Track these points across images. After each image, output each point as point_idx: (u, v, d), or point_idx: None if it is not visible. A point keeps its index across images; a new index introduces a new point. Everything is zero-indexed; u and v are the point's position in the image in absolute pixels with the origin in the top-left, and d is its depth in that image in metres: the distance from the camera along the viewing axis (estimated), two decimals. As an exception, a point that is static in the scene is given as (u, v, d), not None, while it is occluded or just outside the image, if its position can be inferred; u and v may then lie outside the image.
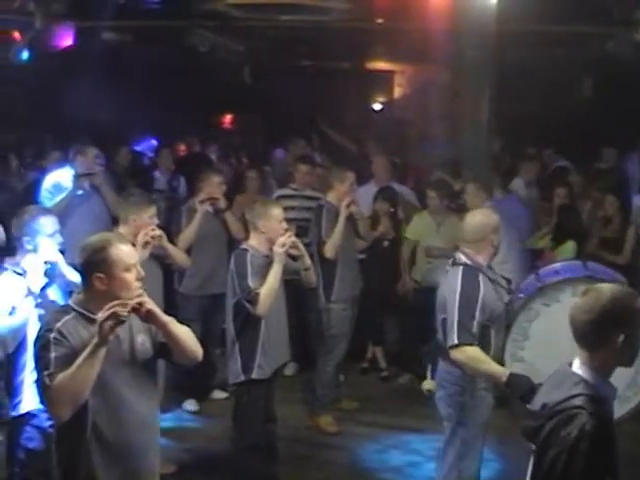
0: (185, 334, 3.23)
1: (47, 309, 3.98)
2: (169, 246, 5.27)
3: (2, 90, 9.91)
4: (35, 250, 4.11)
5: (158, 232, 5.02)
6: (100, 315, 2.93)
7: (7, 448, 4.22)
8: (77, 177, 6.48)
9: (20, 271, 4.09)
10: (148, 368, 3.24)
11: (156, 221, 5.11)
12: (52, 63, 9.33)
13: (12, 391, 4.09)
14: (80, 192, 6.52)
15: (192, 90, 10.32)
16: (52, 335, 3.01)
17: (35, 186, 7.15)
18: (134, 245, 4.84)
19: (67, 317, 3.09)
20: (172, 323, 3.16)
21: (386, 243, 6.99)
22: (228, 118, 13.62)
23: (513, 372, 3.99)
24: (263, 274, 4.71)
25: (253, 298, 4.60)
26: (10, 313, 3.97)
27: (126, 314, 2.96)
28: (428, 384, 5.49)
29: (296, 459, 5.52)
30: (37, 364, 3.03)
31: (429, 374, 5.44)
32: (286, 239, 4.69)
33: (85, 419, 3.05)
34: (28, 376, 4.06)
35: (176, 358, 3.28)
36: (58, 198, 6.44)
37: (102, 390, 3.05)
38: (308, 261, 4.96)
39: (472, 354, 3.98)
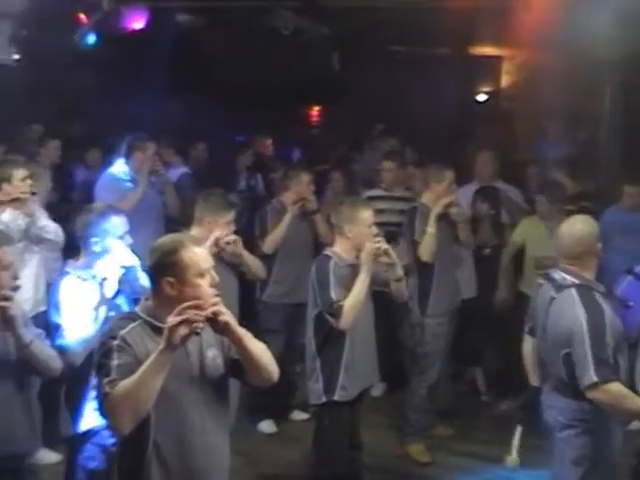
0: (261, 351, 3.18)
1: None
2: (245, 253, 5.28)
3: (67, 78, 10.07)
4: (103, 253, 4.16)
5: (233, 237, 5.04)
6: (170, 319, 2.91)
7: (66, 468, 4.29)
8: (141, 174, 6.58)
9: (85, 275, 4.15)
10: (218, 386, 3.21)
11: (233, 227, 5.13)
12: (120, 48, 9.45)
13: (73, 406, 4.15)
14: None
15: (272, 78, 10.31)
16: (115, 342, 3.03)
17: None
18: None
19: (133, 325, 3.10)
20: (248, 338, 3.12)
21: (487, 251, 6.83)
22: (312, 112, 13.64)
23: None
24: (347, 284, 4.66)
25: (336, 311, 4.56)
26: (79, 322, 4.02)
27: (201, 324, 2.93)
28: (513, 459, 5.27)
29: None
30: (98, 372, 3.04)
31: (515, 447, 5.21)
32: (375, 246, 4.63)
33: (147, 439, 3.06)
34: (91, 391, 4.13)
35: (249, 378, 3.24)
36: (125, 195, 6.52)
37: (166, 407, 3.04)
38: (400, 271, 4.88)
39: (616, 392, 3.87)
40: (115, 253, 4.18)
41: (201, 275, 3.10)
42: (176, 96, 10.15)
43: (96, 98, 10.32)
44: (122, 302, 4.22)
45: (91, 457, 4.17)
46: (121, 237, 4.23)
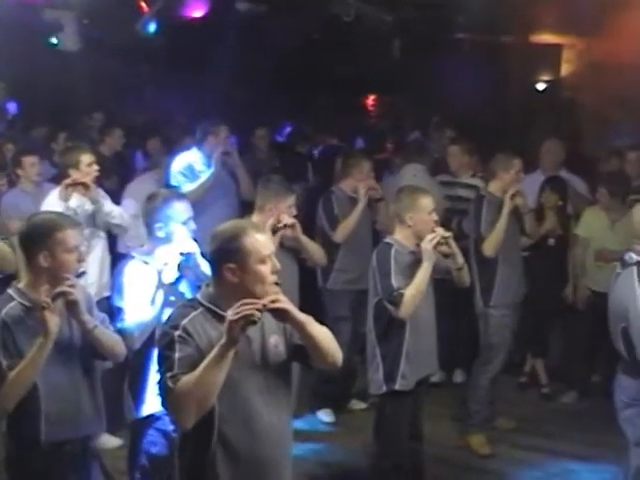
0: (325, 336, 3.13)
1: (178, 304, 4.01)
2: (304, 238, 5.22)
3: (129, 66, 10.13)
4: (167, 238, 4.14)
5: (291, 220, 4.98)
6: (230, 313, 2.87)
7: (129, 453, 4.27)
8: (212, 158, 6.56)
9: (149, 260, 4.13)
10: (281, 373, 3.17)
11: (294, 212, 5.08)
12: (182, 36, 9.45)
13: (136, 391, 4.13)
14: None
15: (333, 67, 10.24)
16: (177, 333, 2.99)
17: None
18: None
19: (194, 313, 3.05)
20: (311, 323, 3.07)
21: (552, 241, 6.68)
22: (371, 101, 13.52)
23: None
24: (409, 273, 4.59)
25: (396, 299, 4.48)
26: (139, 306, 4.00)
27: (259, 315, 2.88)
28: None
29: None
30: (160, 364, 3.02)
31: None
32: (437, 234, 4.54)
33: (211, 427, 3.01)
34: (153, 375, 4.12)
35: (314, 363, 3.19)
36: (200, 180, 6.50)
37: (230, 396, 2.99)
38: (461, 259, 4.78)
39: None
40: (177, 239, 4.14)
41: (262, 261, 3.05)
42: (236, 85, 10.12)
43: (156, 87, 10.35)
44: (185, 289, 4.18)
45: (153, 442, 4.13)
46: (184, 223, 4.18)
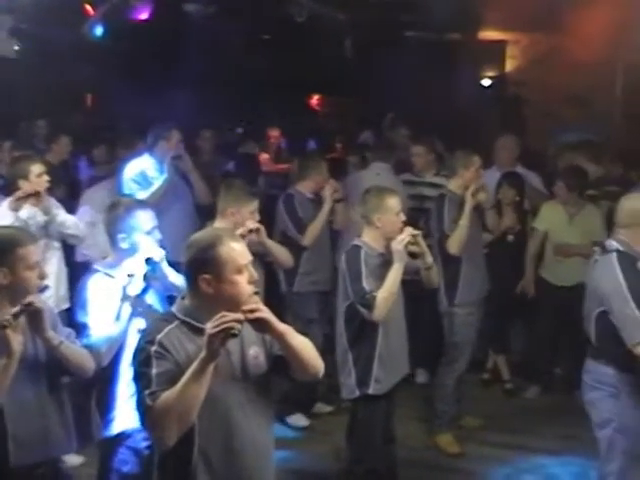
0: (306, 346, 3.03)
1: (147, 316, 3.86)
2: (269, 242, 5.11)
3: (73, 70, 9.84)
4: (132, 249, 3.98)
5: (255, 225, 4.87)
6: (209, 326, 2.75)
7: (99, 472, 4.10)
8: (165, 163, 6.40)
9: (113, 274, 3.98)
10: (262, 385, 3.06)
11: (257, 217, 4.97)
12: (129, 39, 9.22)
13: (105, 408, 3.96)
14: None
15: (283, 68, 10.10)
16: (153, 348, 2.86)
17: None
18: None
19: (170, 327, 2.93)
20: (291, 333, 2.96)
21: (511, 237, 6.67)
22: (316, 101, 13.42)
23: None
24: (379, 275, 4.51)
25: (369, 302, 4.40)
26: (105, 320, 3.84)
27: (240, 327, 2.77)
28: None
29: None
30: (137, 381, 2.88)
31: None
32: (406, 235, 4.47)
33: (191, 444, 2.90)
34: (123, 391, 3.96)
35: (295, 373, 3.08)
36: (153, 187, 6.33)
37: (210, 411, 2.88)
38: (430, 259, 4.72)
39: None
40: (143, 250, 3.99)
41: (239, 271, 2.93)
42: (183, 88, 9.91)
43: (101, 92, 10.10)
44: (153, 300, 4.04)
45: (124, 461, 3.97)
46: (149, 233, 4.03)
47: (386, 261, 4.55)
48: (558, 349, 6.80)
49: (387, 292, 4.42)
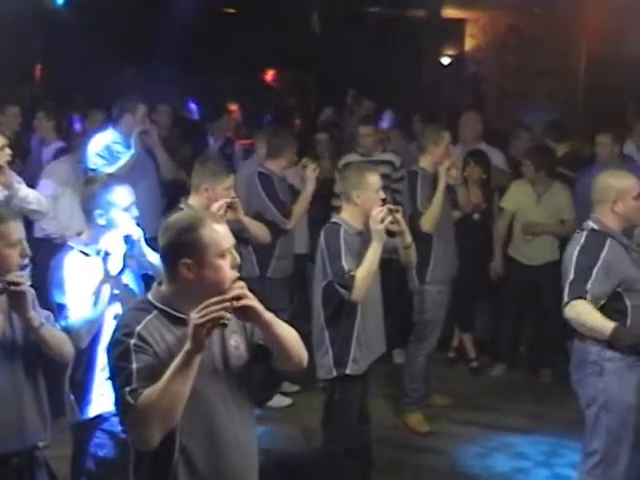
0: (292, 336, 2.86)
1: (123, 297, 3.73)
2: (246, 219, 4.99)
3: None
4: (108, 226, 3.83)
5: (234, 200, 4.75)
6: (194, 316, 2.54)
7: (73, 456, 3.96)
8: (133, 137, 6.23)
9: (88, 252, 3.83)
10: (243, 376, 2.87)
11: (232, 194, 4.84)
12: (88, 9, 8.92)
13: (80, 391, 3.81)
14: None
15: (246, 42, 9.89)
16: (132, 341, 2.64)
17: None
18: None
19: (148, 317, 2.71)
20: (277, 322, 2.79)
21: (477, 216, 6.66)
22: (270, 76, 13.24)
23: (618, 325, 3.91)
24: (356, 253, 4.43)
25: (348, 282, 4.31)
26: (83, 301, 3.70)
27: (229, 316, 2.57)
28: None
29: (387, 463, 5.25)
30: (115, 377, 2.67)
31: None
32: (386, 212, 4.38)
33: (172, 442, 2.69)
34: (99, 374, 3.83)
35: (278, 363, 2.91)
36: (119, 162, 6.17)
37: (191, 406, 2.65)
38: (409, 237, 4.65)
39: (580, 308, 3.95)
40: (120, 226, 3.85)
41: (222, 255, 2.71)
42: (136, 61, 9.69)
43: (55, 62, 9.80)
44: (129, 279, 3.91)
45: (100, 445, 3.83)
46: (126, 209, 3.88)
47: (364, 239, 4.47)
48: (523, 328, 6.83)
49: (366, 271, 4.33)
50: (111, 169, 5.96)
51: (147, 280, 4.09)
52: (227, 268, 2.72)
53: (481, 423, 5.94)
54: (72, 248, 3.83)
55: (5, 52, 9.55)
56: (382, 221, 4.32)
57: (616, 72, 8.27)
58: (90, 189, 3.87)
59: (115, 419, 3.81)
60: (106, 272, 3.72)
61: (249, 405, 2.92)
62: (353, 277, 4.31)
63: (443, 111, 8.80)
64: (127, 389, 2.58)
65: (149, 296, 2.81)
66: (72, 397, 3.84)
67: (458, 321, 6.94)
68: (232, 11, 9.25)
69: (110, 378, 2.72)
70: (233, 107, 9.70)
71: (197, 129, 8.82)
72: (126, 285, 3.88)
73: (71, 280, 3.73)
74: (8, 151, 5.18)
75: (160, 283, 2.81)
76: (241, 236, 5.07)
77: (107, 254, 3.73)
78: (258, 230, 5.19)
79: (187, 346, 2.54)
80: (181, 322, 2.67)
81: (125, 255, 3.81)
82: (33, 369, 3.36)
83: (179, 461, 2.72)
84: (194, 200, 4.79)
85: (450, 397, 6.29)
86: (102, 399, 3.82)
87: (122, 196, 3.88)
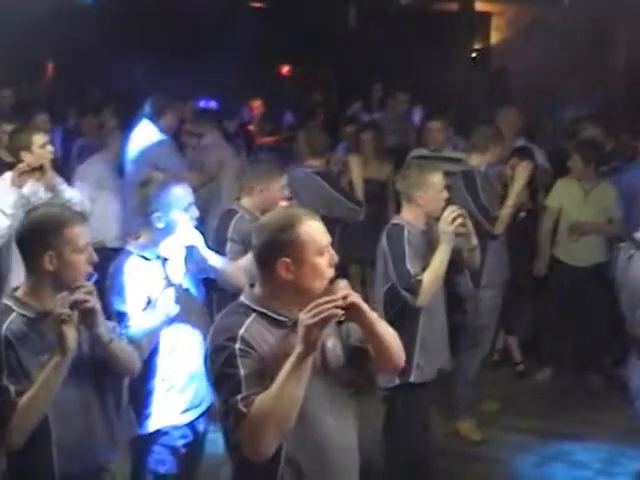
0: (392, 335, 2.75)
1: (182, 301, 3.53)
2: None
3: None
4: (168, 228, 3.63)
5: (291, 202, 4.55)
6: (304, 317, 2.44)
7: (132, 473, 3.76)
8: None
9: (148, 256, 3.63)
10: (340, 379, 2.76)
11: (287, 193, 4.64)
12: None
13: (138, 405, 3.62)
14: None
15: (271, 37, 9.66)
16: (237, 346, 2.53)
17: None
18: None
19: (248, 320, 2.60)
20: (379, 322, 2.67)
21: (522, 214, 6.43)
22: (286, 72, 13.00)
23: None
24: (421, 255, 4.23)
25: (414, 286, 4.11)
26: (147, 309, 3.50)
27: (341, 313, 2.48)
28: None
29: (442, 474, 5.01)
30: (220, 385, 2.54)
31: None
32: (455, 213, 4.17)
33: (278, 451, 2.56)
34: (159, 386, 3.64)
35: (375, 365, 2.81)
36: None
37: (298, 412, 2.53)
38: (475, 240, 4.44)
39: None
40: (180, 228, 3.65)
41: (320, 253, 2.63)
42: (157, 57, 9.45)
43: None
44: (189, 284, 3.71)
45: (160, 460, 3.65)
46: (186, 210, 3.68)
47: (428, 240, 4.28)
48: (568, 330, 6.62)
49: (433, 275, 4.14)
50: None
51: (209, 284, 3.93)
52: (325, 266, 2.64)
53: (534, 430, 5.73)
54: (131, 253, 3.63)
55: (17, 50, 9.35)
56: (455, 224, 4.12)
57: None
58: (147, 191, 3.66)
59: (176, 433, 3.65)
60: (168, 279, 3.52)
61: (349, 407, 2.81)
62: (420, 281, 4.11)
63: (475, 107, 8.57)
64: (238, 397, 2.47)
65: (243, 299, 2.70)
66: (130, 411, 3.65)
67: (503, 323, 6.71)
68: (259, 5, 9.02)
69: (213, 386, 2.58)
70: (256, 103, 9.46)
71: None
72: (186, 290, 3.69)
73: (132, 287, 3.52)
74: (50, 148, 4.98)
75: (252, 285, 2.71)
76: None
77: (168, 260, 3.53)
78: None
79: (299, 348, 2.47)
80: (280, 324, 2.62)
81: (186, 259, 3.61)
82: (101, 385, 3.14)
83: (285, 472, 2.61)
84: (248, 202, 4.61)
85: (498, 402, 6.09)
86: (162, 412, 3.63)
87: (181, 196, 3.68)
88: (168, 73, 9.49)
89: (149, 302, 3.51)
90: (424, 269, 4.18)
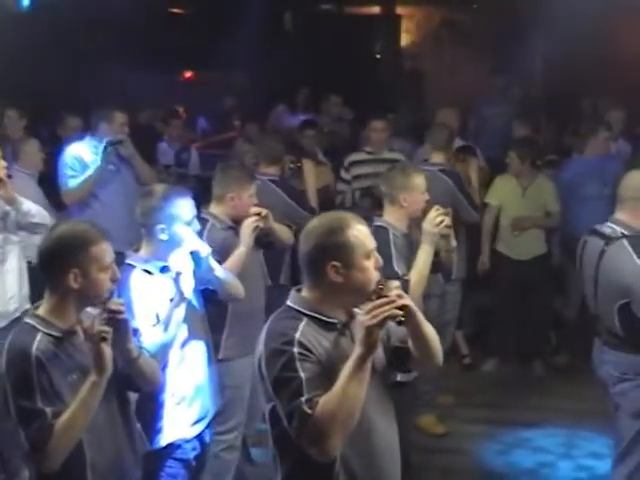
0: (434, 335, 2.81)
1: (187, 318, 3.49)
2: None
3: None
4: (170, 241, 3.58)
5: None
6: (363, 318, 2.50)
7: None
8: (106, 147, 5.92)
9: (151, 269, 3.56)
10: (385, 380, 2.83)
11: (255, 201, 4.62)
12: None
13: (149, 420, 3.55)
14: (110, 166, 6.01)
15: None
16: (295, 350, 2.55)
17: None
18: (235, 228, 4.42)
19: (301, 324, 2.63)
20: (425, 322, 2.74)
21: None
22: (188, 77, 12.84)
23: None
24: (405, 257, 4.31)
25: (405, 286, 4.17)
26: (155, 323, 3.44)
27: (400, 313, 2.54)
28: None
29: (414, 469, 5.14)
30: (282, 388, 2.55)
31: None
32: (438, 214, 4.26)
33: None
34: (169, 400, 3.59)
35: (414, 365, 2.87)
36: (85, 174, 5.90)
37: None
38: (454, 242, 4.53)
39: None
40: (185, 241, 3.60)
41: (368, 256, 2.69)
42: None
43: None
44: (192, 295, 3.66)
45: (173, 475, 3.60)
46: (189, 223, 3.64)
47: (410, 243, 4.36)
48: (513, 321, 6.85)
49: (419, 275, 4.20)
50: (77, 181, 5.83)
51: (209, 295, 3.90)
52: (372, 269, 2.69)
53: (491, 420, 5.92)
54: (134, 267, 3.56)
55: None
56: (439, 225, 4.20)
57: (573, 72, 8.42)
58: (150, 202, 3.60)
59: (187, 446, 3.61)
60: (180, 293, 3.47)
61: (392, 409, 2.86)
62: (408, 282, 4.18)
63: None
64: (302, 399, 2.49)
65: (291, 304, 2.73)
66: (139, 426, 3.57)
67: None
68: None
69: (274, 390, 2.57)
70: (181, 110, 9.34)
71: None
72: (189, 301, 3.64)
73: (140, 302, 3.46)
74: (3, 163, 4.79)
75: (299, 290, 2.74)
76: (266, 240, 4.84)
77: (179, 274, 3.48)
78: (283, 232, 4.98)
79: (359, 349, 2.51)
80: (330, 326, 2.66)
81: (194, 272, 3.58)
82: (125, 402, 3.09)
83: (340, 473, 2.64)
84: (218, 209, 4.54)
85: (452, 395, 6.24)
86: (173, 426, 3.59)
87: (184, 209, 3.63)
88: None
89: (160, 317, 3.45)
90: (408, 270, 4.25)
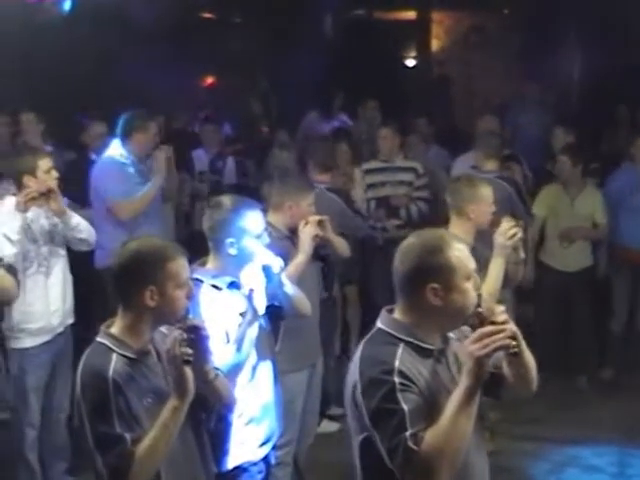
0: (533, 361, 2.65)
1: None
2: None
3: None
4: (240, 256, 3.40)
5: (323, 217, 4.37)
6: (473, 347, 2.34)
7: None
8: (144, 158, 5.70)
9: (219, 285, 3.38)
10: (479, 411, 2.58)
11: (314, 210, 4.45)
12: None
13: (216, 442, 3.36)
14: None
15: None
16: (396, 380, 2.39)
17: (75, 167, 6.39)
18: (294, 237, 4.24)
19: (399, 351, 2.47)
20: (526, 349, 2.57)
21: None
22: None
23: None
24: (474, 270, 4.13)
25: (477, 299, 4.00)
26: (227, 343, 3.26)
27: (513, 343, 2.40)
28: None
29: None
30: (382, 420, 2.39)
31: None
32: (511, 226, 4.09)
33: None
34: (236, 421, 3.41)
35: (510, 392, 2.71)
36: (147, 187, 5.58)
37: None
38: (523, 254, 4.38)
39: None
40: (255, 256, 3.42)
41: (468, 278, 2.55)
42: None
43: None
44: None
45: (241, 498, 3.44)
46: (259, 236, 3.46)
47: (477, 255, 4.17)
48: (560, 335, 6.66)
49: (492, 289, 4.06)
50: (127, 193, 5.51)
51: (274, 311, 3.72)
52: (472, 291, 2.55)
53: (540, 436, 5.74)
54: (202, 282, 3.38)
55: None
56: (512, 237, 4.03)
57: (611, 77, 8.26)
58: (218, 214, 3.43)
59: (254, 469, 3.44)
60: (254, 311, 3.30)
61: (484, 443, 2.75)
62: (480, 296, 3.99)
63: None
64: (407, 434, 2.34)
65: (384, 327, 2.57)
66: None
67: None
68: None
69: (372, 422, 2.41)
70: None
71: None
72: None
73: (210, 319, 3.27)
74: (55, 174, 4.63)
75: (391, 311, 2.59)
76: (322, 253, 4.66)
77: (252, 291, 3.31)
78: (341, 244, 4.81)
79: (468, 381, 2.37)
80: (427, 353, 2.52)
81: (266, 289, 3.41)
82: (199, 424, 2.93)
83: None
84: (275, 218, 4.39)
85: (499, 411, 6.04)
86: (241, 448, 3.41)
87: (254, 221, 3.45)
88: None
89: (231, 336, 3.27)
90: (474, 284, 4.07)
